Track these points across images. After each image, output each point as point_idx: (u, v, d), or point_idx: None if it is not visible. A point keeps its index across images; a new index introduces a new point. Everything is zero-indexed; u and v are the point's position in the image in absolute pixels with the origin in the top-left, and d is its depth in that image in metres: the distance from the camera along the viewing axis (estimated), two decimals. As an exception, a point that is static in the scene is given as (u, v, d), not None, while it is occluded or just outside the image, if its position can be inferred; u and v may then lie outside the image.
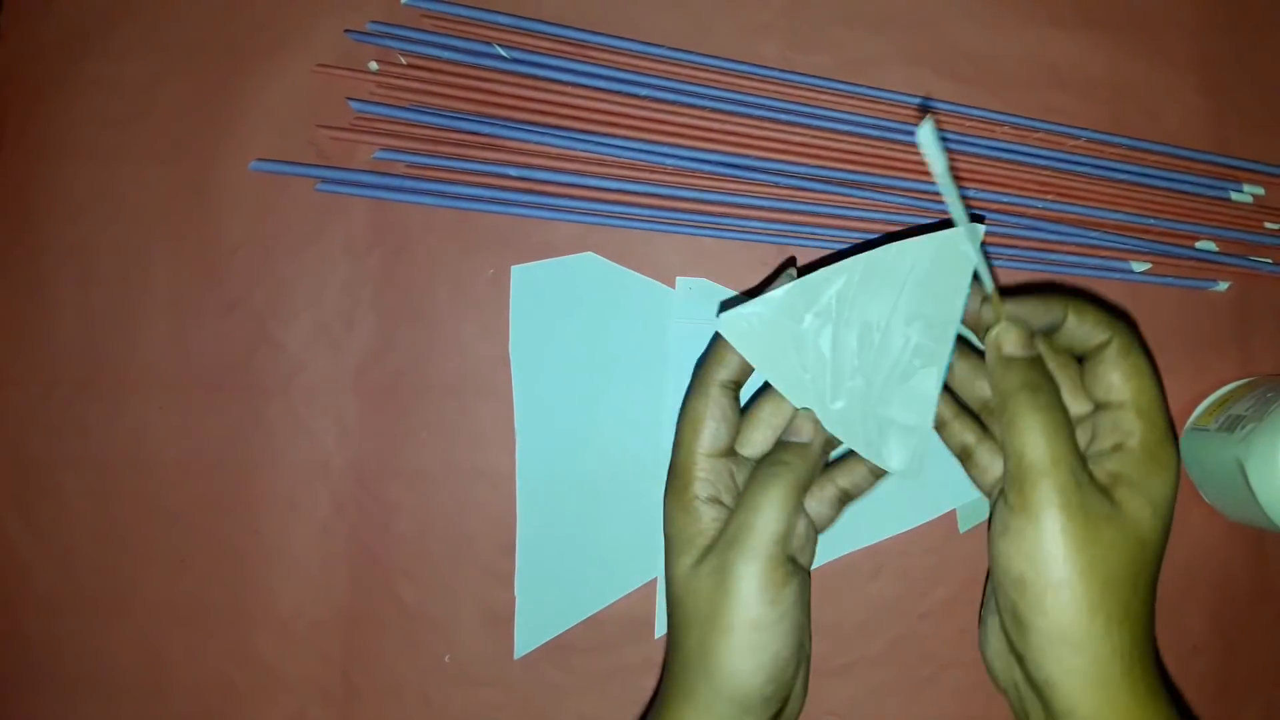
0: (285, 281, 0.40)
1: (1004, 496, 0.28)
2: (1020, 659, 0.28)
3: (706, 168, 0.40)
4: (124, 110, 0.41)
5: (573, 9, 0.41)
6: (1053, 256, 0.41)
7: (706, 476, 0.30)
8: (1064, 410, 0.28)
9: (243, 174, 0.40)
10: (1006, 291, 0.30)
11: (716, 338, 0.32)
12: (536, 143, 0.40)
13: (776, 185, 0.40)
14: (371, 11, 0.41)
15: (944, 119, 0.41)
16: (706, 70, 0.41)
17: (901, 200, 0.40)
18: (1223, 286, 0.42)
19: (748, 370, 0.31)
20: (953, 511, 0.40)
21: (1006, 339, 0.29)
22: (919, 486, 0.40)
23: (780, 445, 0.31)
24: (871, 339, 0.31)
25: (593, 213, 0.40)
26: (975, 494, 0.40)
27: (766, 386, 0.33)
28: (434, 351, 0.40)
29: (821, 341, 0.31)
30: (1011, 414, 0.28)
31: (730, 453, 0.31)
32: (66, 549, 0.40)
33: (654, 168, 0.40)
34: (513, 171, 0.40)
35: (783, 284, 0.31)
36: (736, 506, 0.29)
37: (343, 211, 0.41)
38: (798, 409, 0.31)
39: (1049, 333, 0.30)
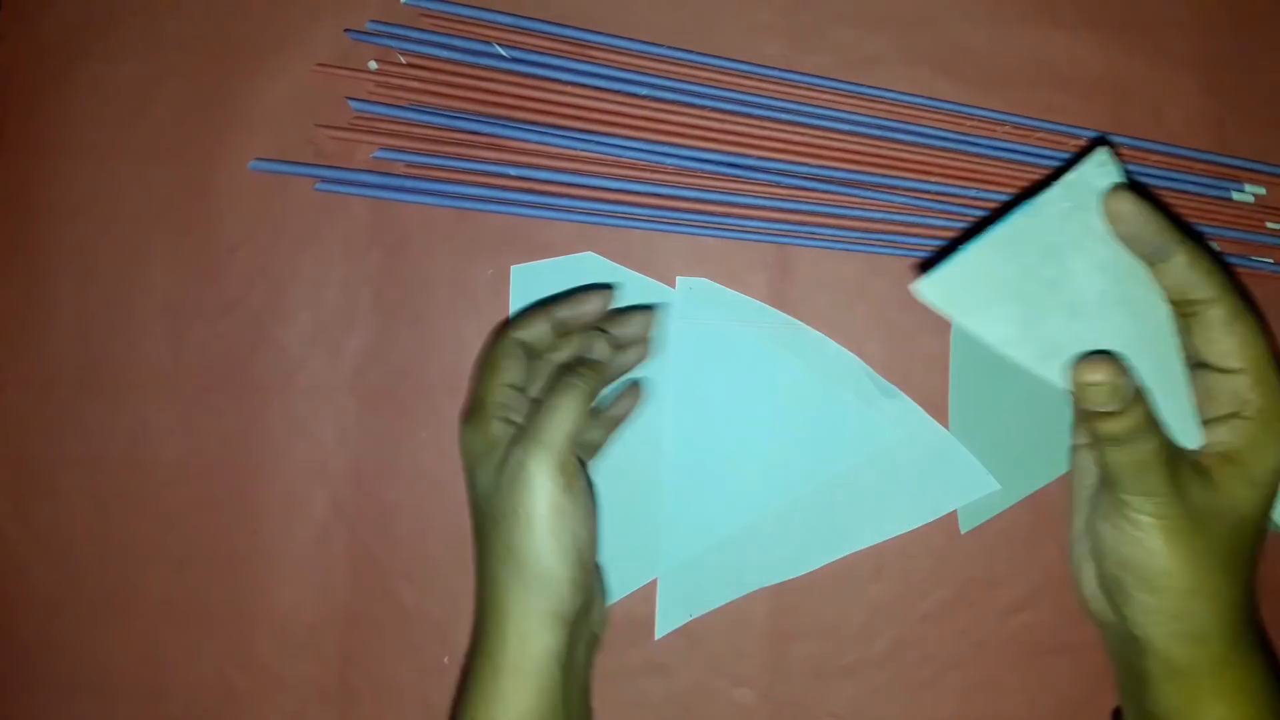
0: (284, 281, 0.40)
1: (1107, 489, 0.29)
2: (1119, 613, 0.30)
3: (707, 167, 0.40)
4: (123, 110, 0.41)
5: (573, 8, 0.41)
6: (1054, 256, 0.41)
7: (501, 401, 0.33)
8: (1147, 415, 0.28)
9: (242, 173, 0.40)
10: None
11: (534, 308, 0.35)
12: (536, 142, 0.40)
13: (777, 185, 0.40)
14: (371, 11, 0.41)
15: (945, 118, 0.41)
16: (707, 70, 0.41)
17: (903, 200, 0.40)
18: (1224, 286, 0.42)
19: (544, 340, 0.35)
20: (953, 512, 0.40)
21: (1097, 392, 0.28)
22: (920, 487, 0.40)
23: (576, 360, 0.34)
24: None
25: (593, 212, 0.40)
26: (977, 495, 0.40)
27: (569, 293, 0.36)
28: (433, 351, 0.40)
29: (1030, 288, 0.30)
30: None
31: (521, 389, 0.34)
32: (65, 549, 0.40)
33: (654, 167, 0.40)
34: (513, 171, 0.40)
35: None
36: (532, 412, 0.32)
37: (342, 211, 0.41)
38: (594, 330, 0.35)
39: (1154, 262, 0.29)
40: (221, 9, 0.41)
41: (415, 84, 0.40)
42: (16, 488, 0.40)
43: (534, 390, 0.34)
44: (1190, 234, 0.29)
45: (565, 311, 0.35)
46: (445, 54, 0.40)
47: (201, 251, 0.40)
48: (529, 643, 0.30)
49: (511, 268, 0.40)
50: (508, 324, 0.37)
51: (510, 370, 0.34)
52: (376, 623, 0.39)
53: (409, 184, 0.40)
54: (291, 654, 0.39)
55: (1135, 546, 0.28)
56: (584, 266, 0.40)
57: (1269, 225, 0.42)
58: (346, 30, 0.41)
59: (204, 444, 0.40)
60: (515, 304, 0.40)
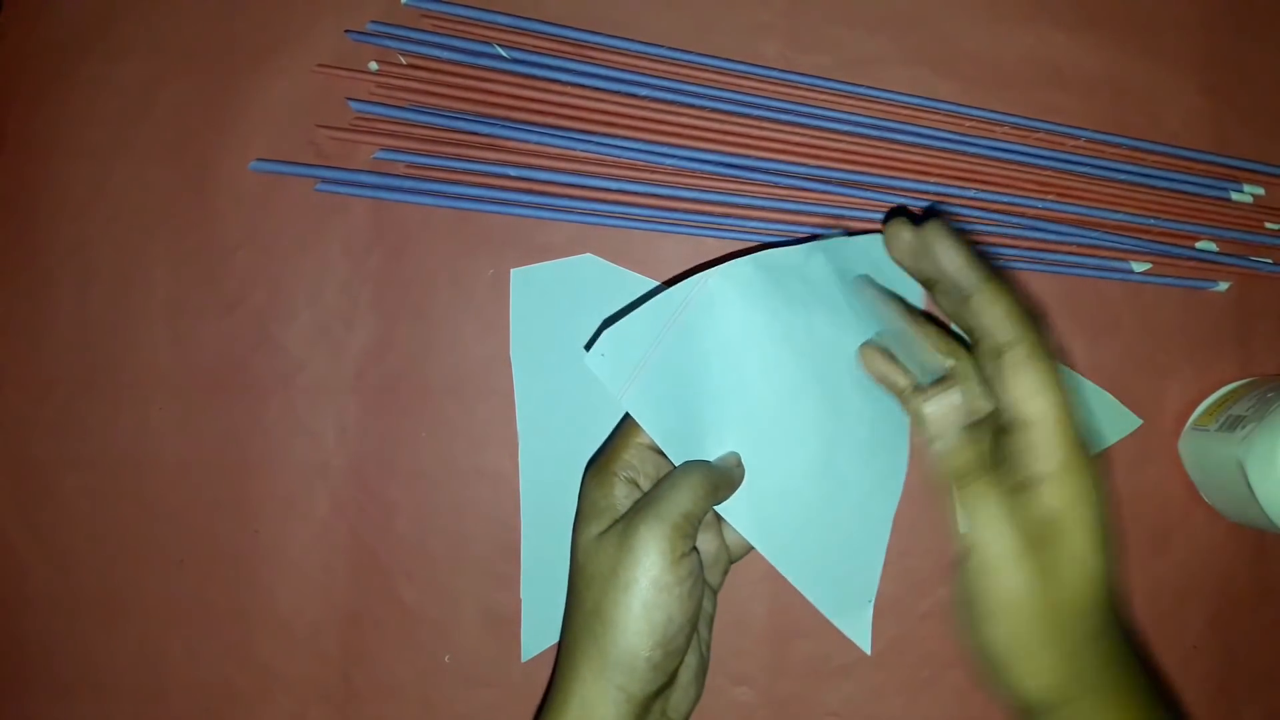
0: (285, 281, 0.40)
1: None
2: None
3: (706, 168, 0.40)
4: (123, 110, 0.41)
5: (572, 9, 0.41)
6: (1053, 256, 0.41)
7: (632, 460, 0.32)
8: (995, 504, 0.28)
9: (242, 174, 0.40)
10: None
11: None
12: (536, 143, 0.40)
13: (776, 185, 0.40)
14: (371, 11, 0.41)
15: (944, 119, 0.41)
16: (706, 70, 0.41)
17: (902, 200, 0.40)
18: (1223, 287, 0.42)
19: None
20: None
21: (944, 439, 0.30)
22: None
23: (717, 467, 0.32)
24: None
25: (592, 213, 0.40)
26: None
27: None
28: (434, 351, 0.40)
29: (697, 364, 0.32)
30: (965, 503, 0.28)
31: (658, 452, 0.33)
32: (65, 549, 0.40)
33: (654, 168, 0.40)
34: (512, 171, 0.40)
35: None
36: (657, 484, 0.31)
37: (342, 211, 0.41)
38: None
39: (955, 300, 0.30)
40: (222, 9, 0.41)
41: (415, 85, 0.40)
42: (16, 488, 0.40)
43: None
44: (996, 273, 0.29)
45: None
46: (445, 55, 0.40)
47: (202, 251, 0.40)
48: (590, 712, 0.29)
49: (511, 270, 0.40)
50: None
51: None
52: (377, 622, 0.40)
53: (409, 184, 0.40)
54: (292, 653, 0.39)
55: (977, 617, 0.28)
56: (583, 268, 0.40)
57: (1268, 225, 0.42)
58: (347, 31, 0.41)
59: (204, 444, 0.40)
60: (516, 306, 0.40)
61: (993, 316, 0.28)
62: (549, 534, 0.39)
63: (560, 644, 0.32)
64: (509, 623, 0.39)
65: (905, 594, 0.40)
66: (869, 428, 0.34)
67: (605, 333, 0.31)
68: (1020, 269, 0.41)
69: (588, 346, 0.31)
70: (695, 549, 0.31)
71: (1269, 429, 0.35)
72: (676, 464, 0.32)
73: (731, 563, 0.35)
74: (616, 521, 0.31)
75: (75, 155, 0.41)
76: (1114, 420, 0.41)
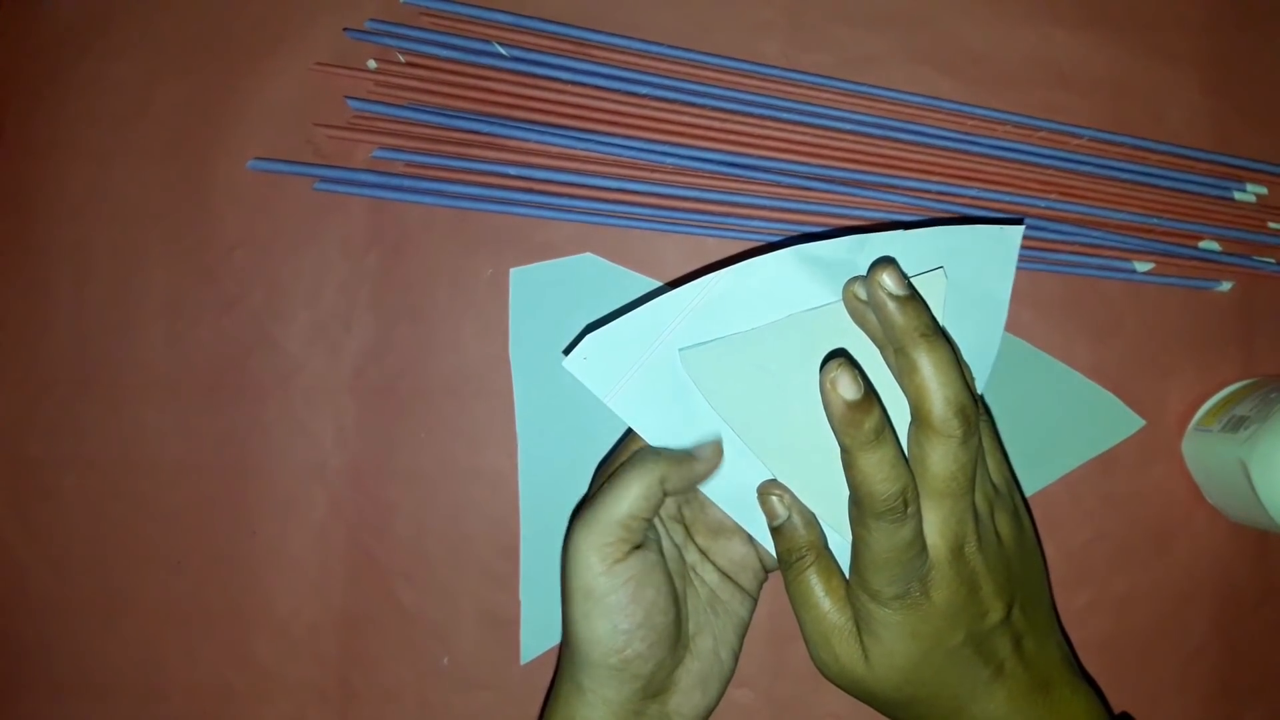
0: (283, 281, 0.40)
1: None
2: None
3: (707, 167, 0.40)
4: (121, 109, 0.41)
5: (573, 7, 0.41)
6: (1055, 256, 0.41)
7: None
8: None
9: (240, 173, 0.40)
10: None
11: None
12: (536, 142, 0.40)
13: (778, 184, 0.40)
14: (370, 9, 0.40)
15: (947, 117, 0.41)
16: (707, 69, 0.40)
17: (904, 200, 0.40)
18: (1226, 287, 0.41)
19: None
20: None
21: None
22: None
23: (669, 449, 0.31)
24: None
25: (592, 212, 0.40)
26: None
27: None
28: (432, 351, 0.40)
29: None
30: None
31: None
32: (63, 550, 0.39)
33: (654, 167, 0.40)
34: (512, 171, 0.40)
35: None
36: (599, 488, 0.30)
37: (341, 211, 0.40)
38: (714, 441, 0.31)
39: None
40: (220, 8, 0.41)
41: (414, 83, 0.40)
42: (16, 488, 0.40)
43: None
44: (938, 336, 0.28)
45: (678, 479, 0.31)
46: (445, 53, 0.40)
47: (200, 251, 0.40)
48: (573, 713, 0.30)
49: (510, 270, 0.40)
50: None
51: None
52: (375, 623, 0.39)
53: (408, 184, 0.40)
54: (290, 655, 0.39)
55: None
56: (583, 268, 0.40)
57: (1271, 225, 0.42)
58: (345, 29, 0.40)
59: (202, 444, 0.40)
60: (515, 305, 0.40)
61: (910, 387, 0.28)
62: (548, 535, 0.39)
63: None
64: (508, 625, 0.39)
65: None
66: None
67: (587, 338, 0.31)
68: (1023, 269, 0.41)
69: (566, 351, 0.31)
70: (642, 546, 0.30)
71: (1272, 429, 0.34)
72: None
73: (769, 571, 0.34)
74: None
75: (73, 154, 0.41)
76: (1117, 421, 0.41)
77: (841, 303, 0.30)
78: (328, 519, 0.40)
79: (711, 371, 0.31)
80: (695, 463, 0.30)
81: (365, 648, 0.39)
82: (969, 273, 0.32)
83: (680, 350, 0.31)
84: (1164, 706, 0.40)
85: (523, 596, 0.39)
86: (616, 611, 0.29)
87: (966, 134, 0.41)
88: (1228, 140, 0.42)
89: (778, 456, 0.31)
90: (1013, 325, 0.40)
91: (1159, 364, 0.41)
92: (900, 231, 0.31)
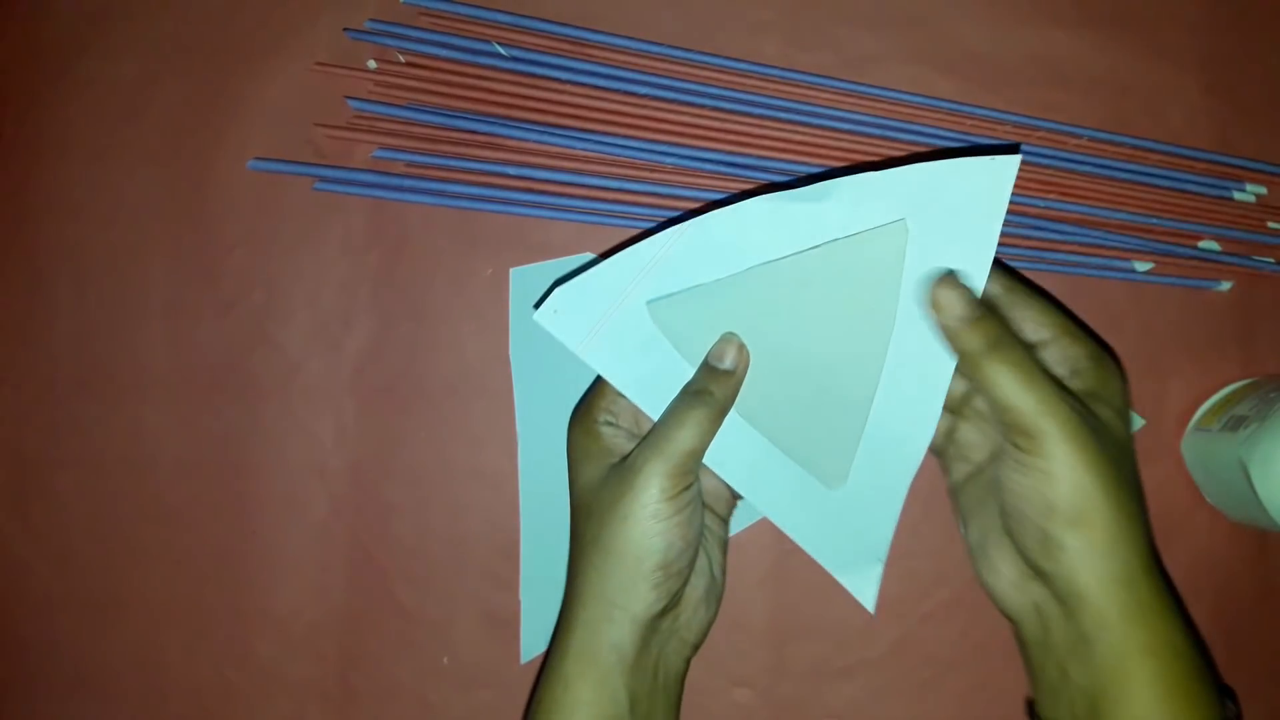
0: (283, 281, 0.40)
1: (1012, 447, 0.30)
2: (1048, 578, 0.29)
3: (707, 166, 0.40)
4: (121, 109, 0.41)
5: (572, 7, 0.41)
6: (1055, 256, 0.41)
7: (609, 406, 0.33)
8: (1031, 352, 0.30)
9: (240, 173, 0.40)
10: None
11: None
12: (536, 142, 0.40)
13: (778, 184, 0.40)
14: (370, 9, 0.41)
15: (946, 117, 0.41)
16: (707, 69, 0.40)
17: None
18: (1225, 286, 0.41)
19: None
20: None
21: (954, 305, 0.30)
22: None
23: (705, 371, 0.32)
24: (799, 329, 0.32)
25: (593, 212, 0.40)
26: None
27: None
28: (432, 351, 0.40)
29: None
30: (993, 373, 0.29)
31: None
32: (63, 549, 0.40)
33: (654, 167, 0.40)
34: (512, 171, 0.40)
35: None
36: (659, 421, 0.32)
37: (341, 211, 0.40)
38: (723, 334, 0.32)
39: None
40: (220, 8, 0.41)
41: (414, 83, 0.40)
42: (16, 487, 0.40)
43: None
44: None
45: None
46: (445, 53, 0.40)
47: (200, 251, 0.40)
48: (596, 634, 0.30)
49: (510, 270, 0.40)
50: None
51: None
52: (375, 623, 0.39)
53: (408, 184, 0.40)
54: (290, 654, 0.39)
55: (1057, 480, 0.28)
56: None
57: (1270, 225, 0.42)
58: (345, 29, 0.40)
59: (202, 444, 0.40)
60: (515, 305, 0.40)
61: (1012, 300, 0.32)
62: (548, 535, 0.39)
63: (567, 580, 0.32)
64: (508, 624, 0.39)
65: (907, 596, 0.40)
66: (895, 382, 0.32)
67: (556, 290, 0.31)
68: (1022, 268, 0.41)
69: (537, 305, 0.31)
70: (696, 478, 0.32)
71: (1271, 429, 0.34)
72: (651, 416, 0.32)
73: (736, 499, 0.35)
74: (616, 464, 0.32)
75: (72, 154, 0.41)
76: (1116, 420, 0.41)
77: (808, 254, 0.31)
78: (328, 518, 0.40)
79: (680, 320, 0.32)
80: (735, 378, 0.32)
81: (365, 647, 0.39)
82: (952, 212, 0.31)
83: (648, 302, 0.32)
84: None
85: (523, 596, 0.39)
86: (675, 532, 0.30)
87: (966, 134, 0.41)
88: (1227, 140, 0.42)
89: (748, 404, 0.32)
90: (1012, 325, 0.40)
91: (1158, 363, 0.41)
92: (871, 174, 0.31)
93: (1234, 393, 0.40)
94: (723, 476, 0.33)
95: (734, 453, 0.33)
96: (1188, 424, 0.41)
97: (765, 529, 0.40)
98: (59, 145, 0.41)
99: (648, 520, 0.30)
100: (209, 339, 0.40)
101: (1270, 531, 0.38)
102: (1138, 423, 0.41)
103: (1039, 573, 0.30)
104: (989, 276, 0.31)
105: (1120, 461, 0.29)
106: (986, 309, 0.30)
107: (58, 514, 0.40)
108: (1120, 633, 0.28)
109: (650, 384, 0.32)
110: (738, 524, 0.40)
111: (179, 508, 0.40)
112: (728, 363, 0.32)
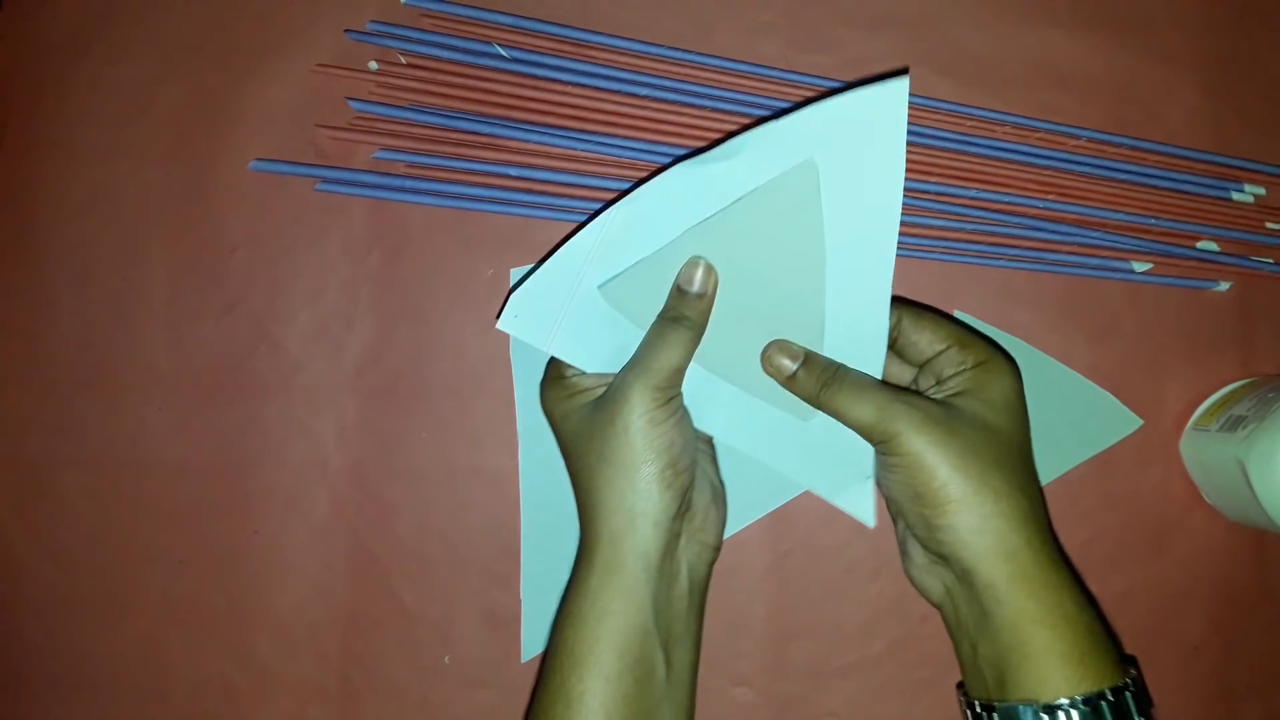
0: (284, 281, 0.40)
1: (879, 453, 0.33)
2: (945, 560, 0.31)
3: (707, 167, 0.40)
4: (123, 110, 0.41)
5: (573, 8, 0.41)
6: (1054, 256, 0.41)
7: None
8: (868, 378, 0.33)
9: (242, 173, 0.40)
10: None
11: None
12: (536, 143, 0.40)
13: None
14: (371, 11, 0.41)
15: (945, 118, 0.41)
16: (707, 70, 0.41)
17: (904, 200, 0.40)
18: (1224, 287, 0.42)
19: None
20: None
21: (781, 365, 0.34)
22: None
23: (677, 296, 0.34)
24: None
25: (593, 213, 0.40)
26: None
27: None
28: (433, 351, 0.40)
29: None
30: (833, 402, 0.33)
31: None
32: (65, 549, 0.40)
33: (654, 167, 0.40)
34: (512, 171, 0.40)
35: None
36: (640, 347, 0.33)
37: (342, 211, 0.41)
38: (696, 259, 0.34)
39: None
40: (222, 10, 0.41)
41: (415, 84, 0.40)
42: (16, 487, 0.40)
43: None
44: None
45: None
46: (445, 54, 0.40)
47: (201, 252, 0.40)
48: (620, 544, 0.31)
49: (511, 270, 0.40)
50: None
51: None
52: (376, 622, 0.39)
53: (409, 184, 0.40)
54: (291, 653, 0.39)
55: (914, 470, 0.31)
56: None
57: (1269, 225, 0.42)
58: (346, 31, 0.41)
59: (204, 444, 0.40)
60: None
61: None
62: (549, 534, 0.39)
63: (580, 509, 0.33)
64: (509, 624, 0.39)
65: (904, 595, 0.40)
66: (840, 307, 0.34)
67: (512, 297, 0.33)
68: (1021, 269, 0.41)
69: (498, 316, 0.33)
70: (680, 392, 0.33)
71: (1270, 429, 0.35)
72: None
73: None
74: (597, 396, 0.33)
75: (74, 155, 0.41)
76: (1115, 421, 0.41)
77: (732, 207, 0.33)
78: (329, 518, 0.40)
79: (632, 297, 0.34)
80: (706, 299, 0.33)
81: (366, 646, 0.39)
82: (855, 142, 0.32)
83: (599, 286, 0.34)
84: (1162, 705, 0.40)
85: (523, 595, 0.39)
86: (673, 430, 0.32)
87: (965, 135, 0.41)
88: (1225, 141, 0.42)
89: (712, 356, 0.34)
90: (1011, 325, 0.41)
91: (1157, 364, 0.41)
92: (773, 123, 0.32)
93: (1232, 393, 0.40)
94: (708, 432, 0.35)
95: (710, 407, 0.35)
96: (1186, 424, 0.41)
97: (765, 529, 0.40)
98: (62, 146, 0.41)
99: (646, 426, 0.31)
100: (211, 339, 0.40)
101: (1268, 531, 0.38)
102: (1135, 422, 0.41)
103: (938, 556, 0.32)
104: (890, 310, 0.34)
105: (984, 445, 0.31)
106: (806, 354, 0.34)
107: (59, 514, 0.40)
108: (1012, 605, 0.30)
109: (620, 361, 0.33)
110: (737, 523, 0.40)
111: (181, 507, 0.40)
112: (697, 286, 0.33)
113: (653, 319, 0.34)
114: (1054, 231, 0.41)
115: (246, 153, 0.40)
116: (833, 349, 0.34)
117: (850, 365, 0.34)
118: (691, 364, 0.34)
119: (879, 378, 0.34)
